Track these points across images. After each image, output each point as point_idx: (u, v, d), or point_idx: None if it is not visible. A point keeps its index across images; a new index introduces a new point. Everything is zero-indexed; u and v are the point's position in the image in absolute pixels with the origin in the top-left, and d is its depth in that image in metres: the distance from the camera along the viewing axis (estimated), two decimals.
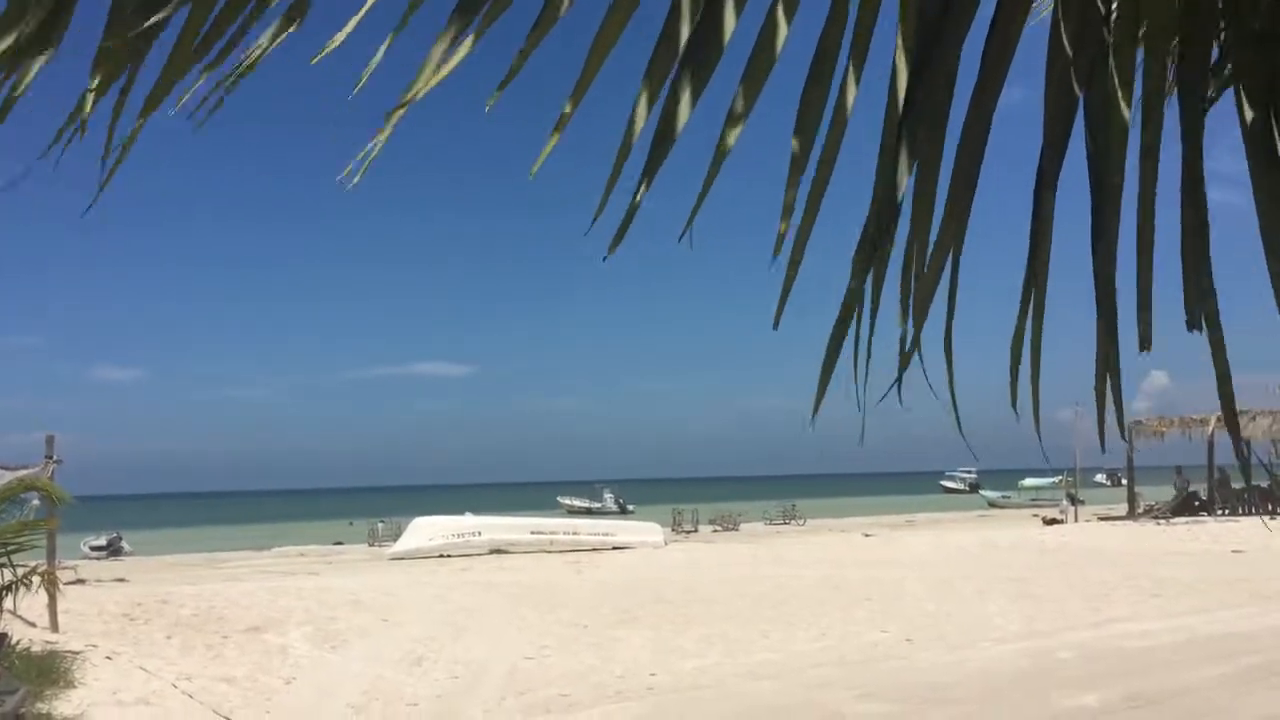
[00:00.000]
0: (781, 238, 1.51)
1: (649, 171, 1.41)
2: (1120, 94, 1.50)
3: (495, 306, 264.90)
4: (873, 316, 1.57)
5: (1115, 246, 1.53)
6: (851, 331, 1.57)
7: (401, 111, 1.33)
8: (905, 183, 1.52)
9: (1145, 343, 1.54)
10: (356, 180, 1.32)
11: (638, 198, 1.41)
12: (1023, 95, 1.69)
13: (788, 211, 1.51)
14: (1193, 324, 1.51)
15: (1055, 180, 1.55)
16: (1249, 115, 1.49)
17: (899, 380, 1.57)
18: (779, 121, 1.55)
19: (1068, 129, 1.54)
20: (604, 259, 1.42)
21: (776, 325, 1.54)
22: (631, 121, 1.40)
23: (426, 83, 1.34)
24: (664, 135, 1.42)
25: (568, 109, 1.39)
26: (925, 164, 1.53)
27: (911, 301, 1.57)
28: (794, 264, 1.53)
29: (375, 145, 1.33)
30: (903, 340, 1.57)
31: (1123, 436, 1.59)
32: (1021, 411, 1.62)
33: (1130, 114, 1.50)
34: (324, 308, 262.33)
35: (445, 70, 1.34)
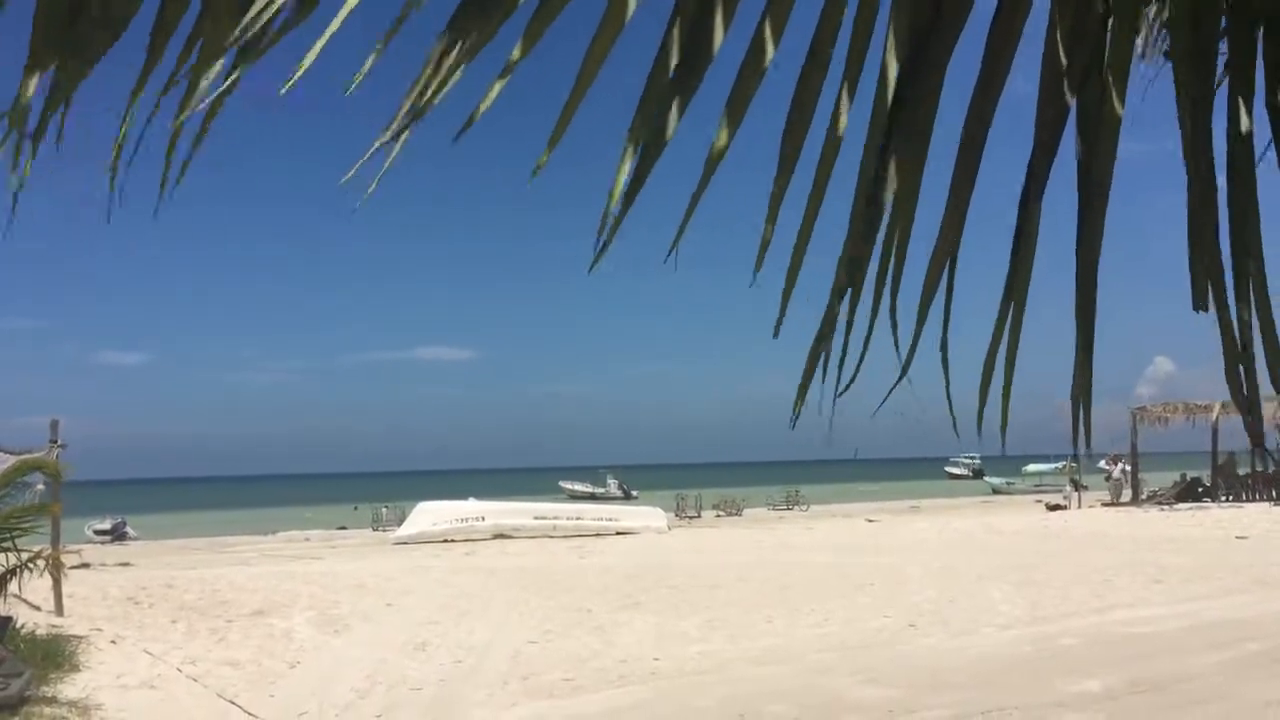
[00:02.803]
0: (765, 246, 1.49)
1: (632, 190, 1.40)
2: (1115, 103, 1.48)
3: (498, 291, 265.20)
4: (849, 326, 1.55)
5: (1099, 245, 1.51)
6: (837, 339, 1.55)
7: (410, 127, 1.30)
8: (889, 188, 1.50)
9: (1199, 303, 1.50)
10: (370, 189, 1.30)
11: (613, 209, 1.40)
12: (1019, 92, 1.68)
13: (773, 214, 1.50)
14: (1198, 304, 1.49)
15: (1042, 189, 1.53)
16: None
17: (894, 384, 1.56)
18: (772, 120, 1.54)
19: (1056, 136, 1.52)
20: (589, 271, 1.43)
21: (776, 334, 1.53)
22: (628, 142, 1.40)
23: (434, 92, 1.31)
24: (651, 148, 1.41)
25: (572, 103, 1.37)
26: (911, 162, 1.51)
27: (887, 299, 1.56)
28: (793, 270, 1.52)
29: (389, 158, 1.29)
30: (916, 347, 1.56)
31: (1086, 445, 1.56)
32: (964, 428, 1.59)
33: (1122, 111, 1.49)
34: (328, 292, 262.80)
35: (450, 81, 1.32)
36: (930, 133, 1.52)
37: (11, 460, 11.81)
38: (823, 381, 1.56)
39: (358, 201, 1.33)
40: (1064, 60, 1.49)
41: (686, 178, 1.46)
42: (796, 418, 1.56)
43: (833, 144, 1.50)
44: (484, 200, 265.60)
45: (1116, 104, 1.48)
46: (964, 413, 1.59)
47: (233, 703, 8.98)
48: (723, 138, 1.45)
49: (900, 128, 1.49)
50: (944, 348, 1.58)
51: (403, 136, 1.30)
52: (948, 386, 1.57)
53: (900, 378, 1.56)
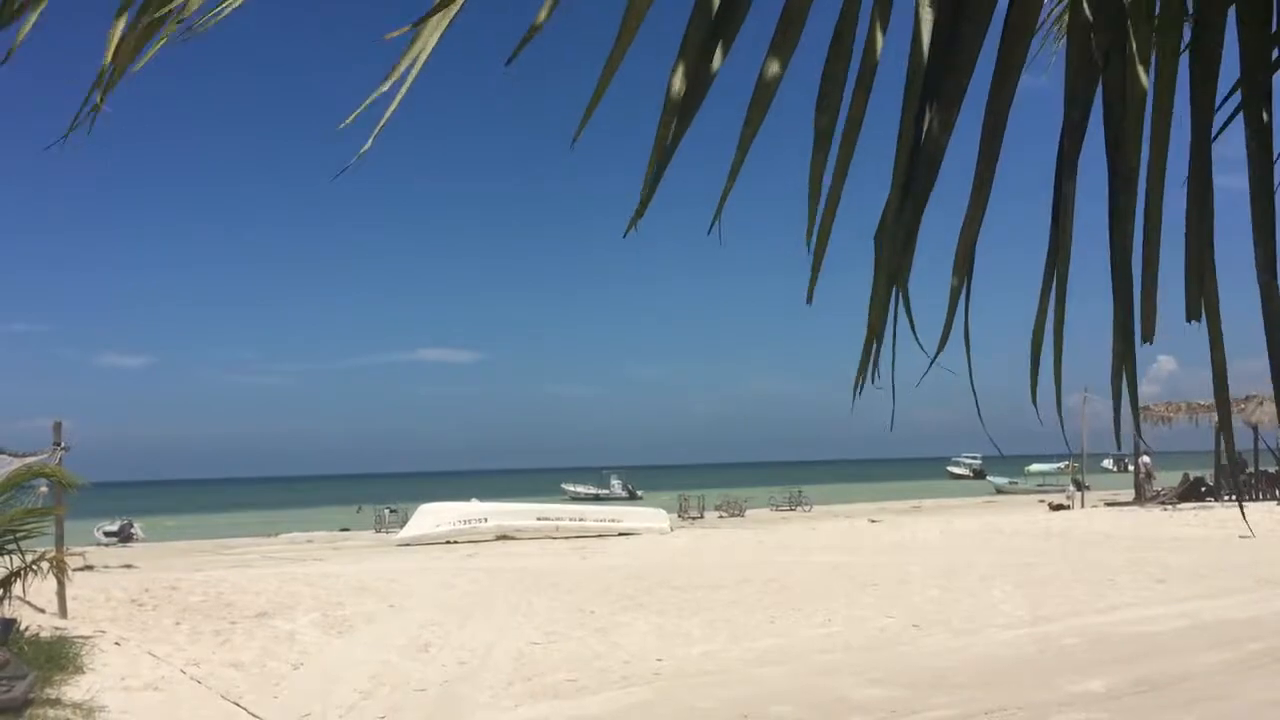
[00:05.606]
0: (814, 216, 1.53)
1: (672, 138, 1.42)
2: (1139, 73, 1.48)
3: (503, 293, 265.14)
4: (906, 303, 1.56)
5: (1132, 232, 1.52)
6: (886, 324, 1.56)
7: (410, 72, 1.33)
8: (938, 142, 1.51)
9: (1148, 335, 1.52)
10: (371, 140, 1.33)
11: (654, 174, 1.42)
12: (1037, 84, 1.68)
13: (816, 188, 1.53)
14: (1191, 315, 1.50)
15: (1075, 163, 1.54)
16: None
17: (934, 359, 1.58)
18: (789, 101, 1.55)
19: (1086, 112, 1.53)
20: (624, 235, 1.46)
21: (810, 300, 1.56)
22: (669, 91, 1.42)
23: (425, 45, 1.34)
24: (687, 106, 1.44)
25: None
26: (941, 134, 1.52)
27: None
28: (823, 235, 1.55)
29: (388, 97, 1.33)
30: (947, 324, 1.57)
31: (1136, 428, 1.56)
32: (1031, 402, 1.60)
33: (1149, 94, 1.48)
34: (332, 294, 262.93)
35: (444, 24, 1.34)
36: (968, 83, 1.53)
37: (15, 463, 11.84)
38: (871, 371, 1.58)
39: (354, 157, 1.36)
40: (1090, 34, 1.49)
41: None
42: (860, 389, 1.59)
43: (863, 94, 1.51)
44: (485, 204, 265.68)
45: (1142, 79, 1.48)
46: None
47: (237, 704, 9.00)
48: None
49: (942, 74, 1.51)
50: (965, 323, 1.57)
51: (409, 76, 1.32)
52: (970, 367, 1.57)
53: (939, 350, 1.57)
